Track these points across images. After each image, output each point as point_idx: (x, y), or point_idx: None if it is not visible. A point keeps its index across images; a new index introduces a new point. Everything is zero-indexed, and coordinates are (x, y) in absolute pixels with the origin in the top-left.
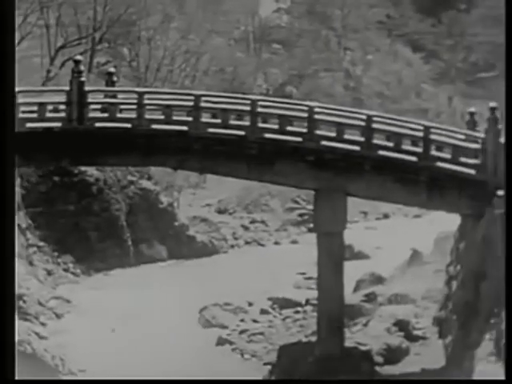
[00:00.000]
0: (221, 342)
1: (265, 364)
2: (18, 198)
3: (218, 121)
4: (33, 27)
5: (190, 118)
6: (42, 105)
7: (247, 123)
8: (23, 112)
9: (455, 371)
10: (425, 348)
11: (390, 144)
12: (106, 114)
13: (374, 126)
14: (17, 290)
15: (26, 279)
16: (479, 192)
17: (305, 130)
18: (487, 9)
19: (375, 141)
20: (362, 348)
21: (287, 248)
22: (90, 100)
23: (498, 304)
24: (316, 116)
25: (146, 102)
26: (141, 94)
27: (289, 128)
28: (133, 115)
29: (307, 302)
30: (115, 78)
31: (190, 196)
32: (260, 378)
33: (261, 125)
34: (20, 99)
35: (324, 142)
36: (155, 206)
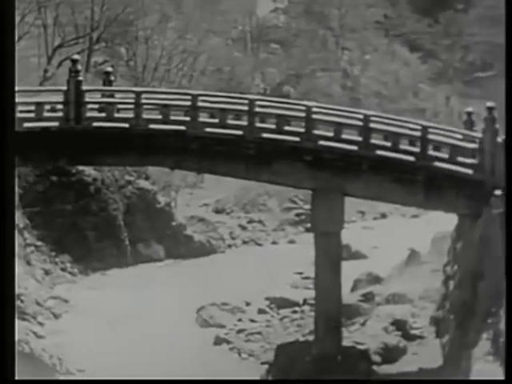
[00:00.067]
0: (218, 341)
1: (262, 363)
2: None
3: (216, 120)
4: (30, 27)
5: (187, 118)
6: (39, 104)
7: (245, 123)
8: (21, 112)
9: (452, 370)
10: (422, 347)
11: (388, 144)
12: (103, 114)
13: (372, 125)
14: None
15: (24, 279)
16: (477, 192)
17: (302, 130)
18: (485, 8)
19: (373, 140)
20: (360, 347)
21: (285, 248)
22: (87, 100)
23: (495, 303)
24: (314, 116)
25: (144, 101)
26: (138, 94)
27: (286, 128)
28: (130, 115)
29: (305, 301)
30: (113, 78)
31: (188, 196)
32: (257, 377)
33: (258, 124)
34: (17, 99)
35: (322, 142)
36: (153, 206)
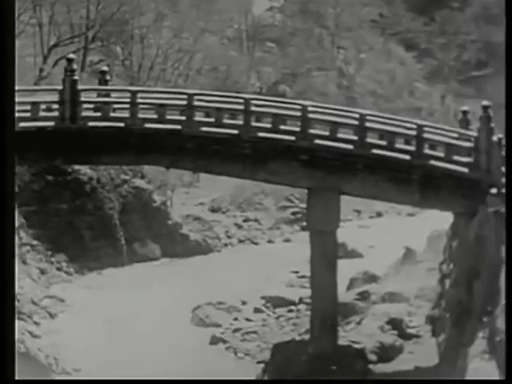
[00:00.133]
0: (214, 340)
1: (258, 362)
2: None
3: (212, 120)
4: (25, 26)
5: (183, 117)
6: (35, 104)
7: (241, 122)
8: (17, 111)
9: (448, 369)
10: (418, 346)
11: (384, 143)
12: (99, 113)
13: (368, 124)
14: None
15: (20, 278)
16: (472, 190)
17: (298, 129)
18: (480, 7)
19: (368, 139)
20: (356, 346)
21: (280, 246)
22: (83, 99)
23: (491, 302)
24: (309, 115)
25: (139, 100)
26: (134, 93)
27: (282, 127)
28: (126, 114)
29: (300, 300)
30: (108, 77)
31: (184, 195)
32: (253, 376)
33: (254, 124)
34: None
35: (317, 141)
36: (148, 205)
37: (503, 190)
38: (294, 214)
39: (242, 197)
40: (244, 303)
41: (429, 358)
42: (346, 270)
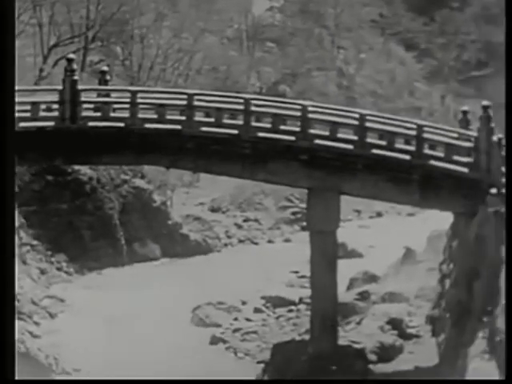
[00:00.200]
0: (214, 340)
1: (258, 362)
2: None
3: (212, 120)
4: (25, 26)
5: (183, 117)
6: (35, 104)
7: (241, 122)
8: (17, 111)
9: (448, 369)
10: (418, 346)
11: (384, 143)
12: (99, 113)
13: (367, 124)
14: None
15: (20, 278)
16: (472, 190)
17: (298, 129)
18: (480, 7)
19: (368, 139)
20: (356, 346)
21: (280, 246)
22: (82, 99)
23: (490, 302)
24: (309, 115)
25: (139, 100)
26: (134, 93)
27: (282, 127)
28: (126, 114)
29: (300, 300)
30: (108, 77)
31: (184, 195)
32: (253, 376)
33: (254, 124)
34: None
35: (317, 141)
36: (148, 205)
37: (503, 190)
38: (293, 214)
39: (242, 197)
40: (244, 303)
41: (429, 358)
42: (345, 269)
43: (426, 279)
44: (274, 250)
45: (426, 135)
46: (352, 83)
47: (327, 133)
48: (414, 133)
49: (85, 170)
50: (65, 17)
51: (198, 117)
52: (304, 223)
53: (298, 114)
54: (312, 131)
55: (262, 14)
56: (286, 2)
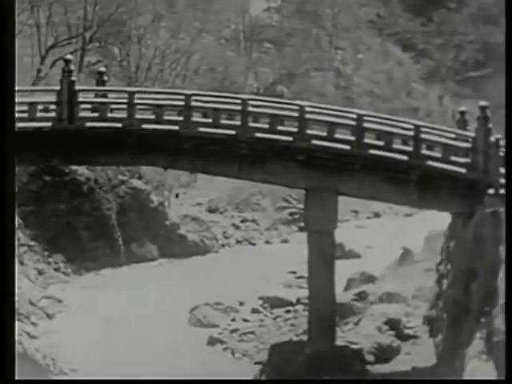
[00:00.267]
0: (212, 341)
1: (256, 363)
2: None
3: (209, 120)
4: (23, 26)
5: (180, 118)
6: (32, 104)
7: (238, 123)
8: None
9: (446, 370)
10: (416, 347)
11: (381, 143)
12: (96, 114)
13: (365, 125)
14: None
15: (17, 279)
16: (470, 191)
17: (295, 130)
18: (478, 8)
19: (366, 140)
20: (353, 347)
21: (278, 247)
22: (80, 99)
23: (488, 302)
24: (307, 115)
25: (137, 101)
26: (131, 94)
27: (280, 127)
28: (123, 115)
29: (298, 301)
30: (106, 78)
31: (181, 195)
32: (251, 377)
33: (252, 124)
34: None
35: (315, 142)
36: (146, 206)
37: (501, 191)
38: (291, 214)
39: (240, 197)
40: (241, 304)
41: (426, 359)
42: (343, 270)
43: (424, 279)
44: (272, 250)
45: (423, 136)
46: (349, 83)
47: (325, 133)
48: (411, 133)
49: (82, 171)
50: (62, 17)
51: (196, 117)
52: (301, 224)
53: (296, 114)
54: (309, 132)
55: (259, 14)
56: (284, 3)
